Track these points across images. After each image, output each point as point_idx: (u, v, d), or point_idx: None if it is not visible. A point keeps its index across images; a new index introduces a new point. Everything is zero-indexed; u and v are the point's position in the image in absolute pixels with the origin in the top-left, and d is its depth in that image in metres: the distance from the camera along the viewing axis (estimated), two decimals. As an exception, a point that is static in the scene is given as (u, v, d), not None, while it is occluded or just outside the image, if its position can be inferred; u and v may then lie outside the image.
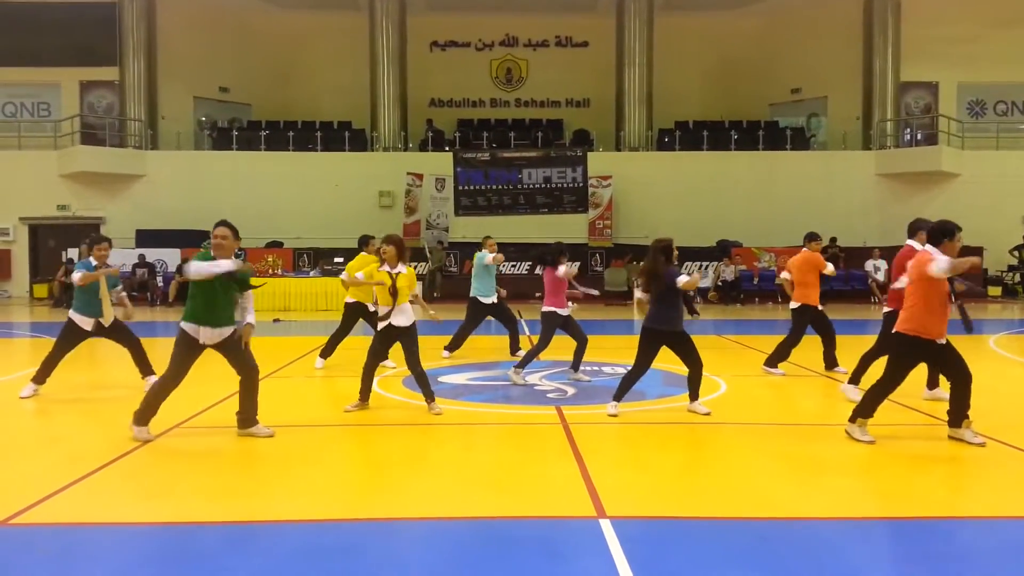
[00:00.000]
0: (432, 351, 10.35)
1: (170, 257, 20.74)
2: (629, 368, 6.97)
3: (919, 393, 7.47)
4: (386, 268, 6.90)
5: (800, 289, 8.81)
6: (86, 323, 7.65)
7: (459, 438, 6.26)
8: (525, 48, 27.25)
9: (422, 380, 6.97)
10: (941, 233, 5.75)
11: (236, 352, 5.97)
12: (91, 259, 7.69)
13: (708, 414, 6.77)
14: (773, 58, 26.01)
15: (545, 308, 8.42)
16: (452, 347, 10.26)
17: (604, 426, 6.51)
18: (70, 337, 7.71)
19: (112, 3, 23.96)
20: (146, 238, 21.74)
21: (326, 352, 9.54)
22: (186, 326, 5.81)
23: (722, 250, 21.45)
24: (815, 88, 25.77)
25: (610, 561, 3.68)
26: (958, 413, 5.88)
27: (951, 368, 5.88)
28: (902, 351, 5.90)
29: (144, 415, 5.89)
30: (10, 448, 5.83)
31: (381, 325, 6.94)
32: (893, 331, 5.99)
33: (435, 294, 20.93)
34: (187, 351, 5.82)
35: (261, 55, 25.81)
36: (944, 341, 5.81)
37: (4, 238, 22.86)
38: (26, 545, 4.01)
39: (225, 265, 5.65)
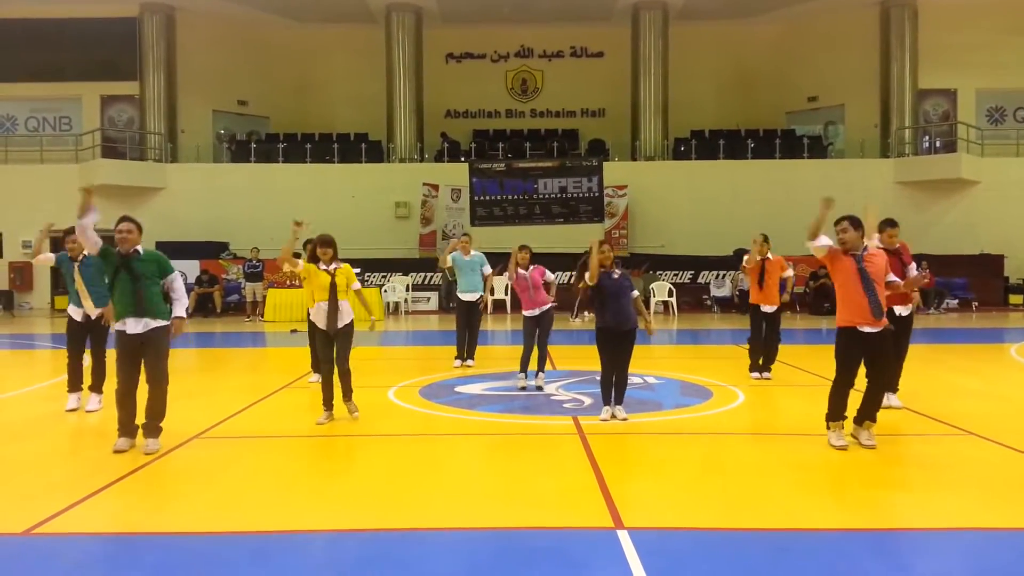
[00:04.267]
0: (450, 360, 10.37)
1: (190, 268, 20.88)
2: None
3: (939, 402, 7.40)
4: (323, 266, 6.96)
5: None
6: (76, 313, 7.63)
7: (476, 448, 6.26)
8: (540, 59, 27.35)
9: (347, 377, 6.99)
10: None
11: (151, 354, 5.94)
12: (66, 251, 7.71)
13: (604, 421, 6.73)
14: (789, 66, 25.95)
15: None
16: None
17: (621, 436, 6.49)
18: (70, 332, 7.68)
19: (132, 19, 24.31)
20: (166, 250, 21.49)
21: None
22: (117, 325, 5.94)
23: (739, 259, 21.35)
24: (832, 96, 25.67)
25: (628, 572, 3.66)
26: (865, 412, 5.96)
27: (875, 366, 5.89)
28: (839, 344, 6.00)
29: (121, 428, 5.97)
30: (32, 459, 5.89)
31: (321, 324, 6.90)
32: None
33: (451, 304, 20.96)
34: (121, 349, 5.92)
35: (279, 69, 26.08)
36: (873, 331, 5.80)
37: (26, 251, 23.12)
38: (49, 554, 4.04)
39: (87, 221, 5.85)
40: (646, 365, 10.16)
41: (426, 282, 21.50)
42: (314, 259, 7.07)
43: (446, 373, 9.69)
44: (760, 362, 9.28)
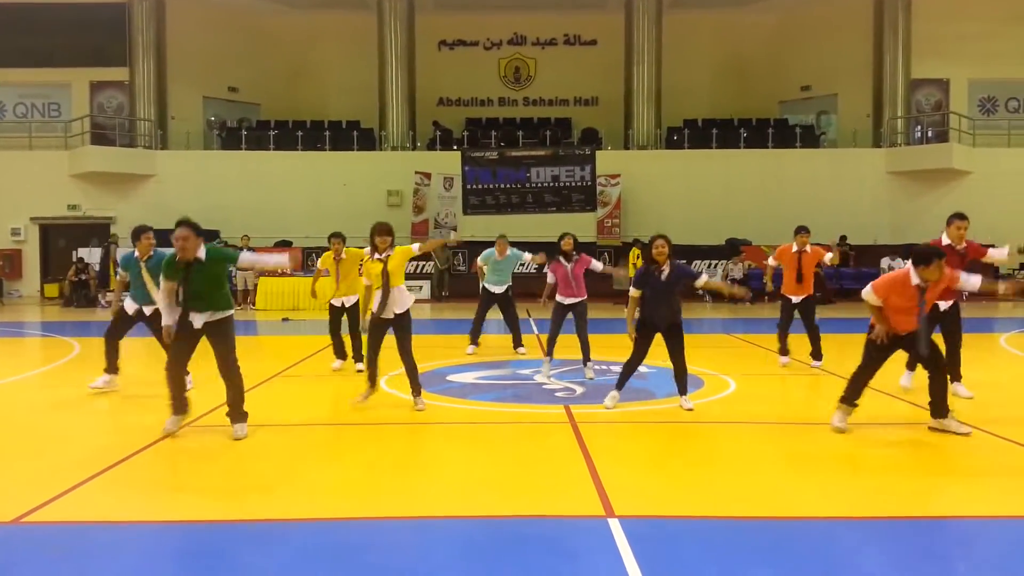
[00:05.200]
0: (442, 349, 10.37)
1: (180, 257, 20.78)
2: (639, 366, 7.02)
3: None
4: (376, 256, 6.85)
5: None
6: (130, 308, 7.88)
7: (468, 437, 6.26)
8: (533, 47, 27.22)
9: (412, 373, 6.94)
10: (919, 259, 5.80)
11: (219, 345, 6.00)
12: (135, 252, 7.94)
13: (690, 410, 6.80)
14: (783, 55, 25.91)
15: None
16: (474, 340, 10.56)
17: (613, 425, 6.50)
18: (118, 320, 7.94)
19: (122, 4, 24.05)
20: (156, 237, 21.75)
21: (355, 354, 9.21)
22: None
23: (731, 248, 21.39)
24: (825, 85, 25.65)
25: (619, 560, 3.67)
26: (937, 407, 6.06)
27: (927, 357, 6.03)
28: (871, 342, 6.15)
29: (173, 403, 6.05)
30: (23, 446, 5.87)
31: (375, 314, 6.87)
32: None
33: (444, 293, 20.95)
34: (181, 331, 5.96)
35: (270, 55, 25.89)
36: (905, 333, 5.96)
37: (15, 238, 22.98)
38: (40, 543, 4.03)
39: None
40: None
41: (418, 271, 21.46)
42: (374, 248, 6.89)
43: (439, 361, 9.67)
44: (802, 352, 9.32)
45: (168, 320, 5.99)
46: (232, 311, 6.11)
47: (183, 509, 4.49)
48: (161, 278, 6.03)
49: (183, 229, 5.86)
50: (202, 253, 5.93)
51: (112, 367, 7.92)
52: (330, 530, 4.15)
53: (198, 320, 5.91)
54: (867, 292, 6.02)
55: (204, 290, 5.91)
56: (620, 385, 6.99)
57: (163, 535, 4.16)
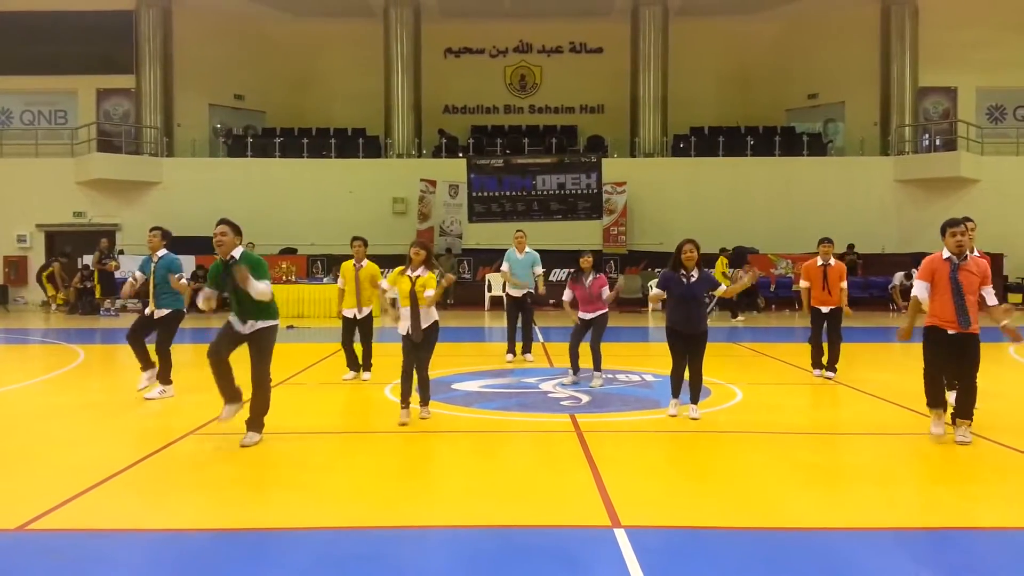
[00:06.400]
0: (448, 358, 10.31)
1: (185, 263, 20.75)
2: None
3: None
4: (409, 272, 6.86)
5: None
6: (147, 309, 8.08)
7: (473, 445, 6.21)
8: (539, 54, 27.26)
9: (424, 385, 6.97)
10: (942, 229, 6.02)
11: (254, 353, 6.01)
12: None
13: (696, 419, 6.75)
14: (790, 63, 25.89)
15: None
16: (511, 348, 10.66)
17: (618, 434, 6.44)
18: (136, 322, 8.12)
19: (129, 12, 24.20)
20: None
21: (365, 363, 9.22)
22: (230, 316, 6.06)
23: (738, 257, 21.29)
24: (832, 93, 25.61)
25: (624, 571, 3.62)
26: (958, 411, 6.05)
27: (960, 366, 6.00)
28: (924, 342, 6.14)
29: (223, 393, 6.04)
30: (26, 454, 5.83)
31: (402, 330, 6.86)
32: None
33: (448, 300, 20.91)
34: (224, 330, 6.03)
35: (276, 63, 25.98)
36: (955, 333, 5.89)
37: (21, 244, 23.04)
38: (42, 550, 4.00)
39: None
40: (644, 362, 10.12)
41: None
42: (409, 262, 6.92)
43: (444, 370, 9.62)
44: (824, 361, 9.19)
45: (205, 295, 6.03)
46: (275, 322, 6.12)
47: (187, 517, 4.45)
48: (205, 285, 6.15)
49: (222, 226, 6.01)
50: (237, 253, 5.97)
51: (147, 364, 8.00)
52: (334, 539, 4.11)
53: (242, 327, 5.96)
54: (915, 283, 6.14)
55: (239, 292, 5.91)
56: (675, 393, 6.96)
57: (167, 543, 4.12)
